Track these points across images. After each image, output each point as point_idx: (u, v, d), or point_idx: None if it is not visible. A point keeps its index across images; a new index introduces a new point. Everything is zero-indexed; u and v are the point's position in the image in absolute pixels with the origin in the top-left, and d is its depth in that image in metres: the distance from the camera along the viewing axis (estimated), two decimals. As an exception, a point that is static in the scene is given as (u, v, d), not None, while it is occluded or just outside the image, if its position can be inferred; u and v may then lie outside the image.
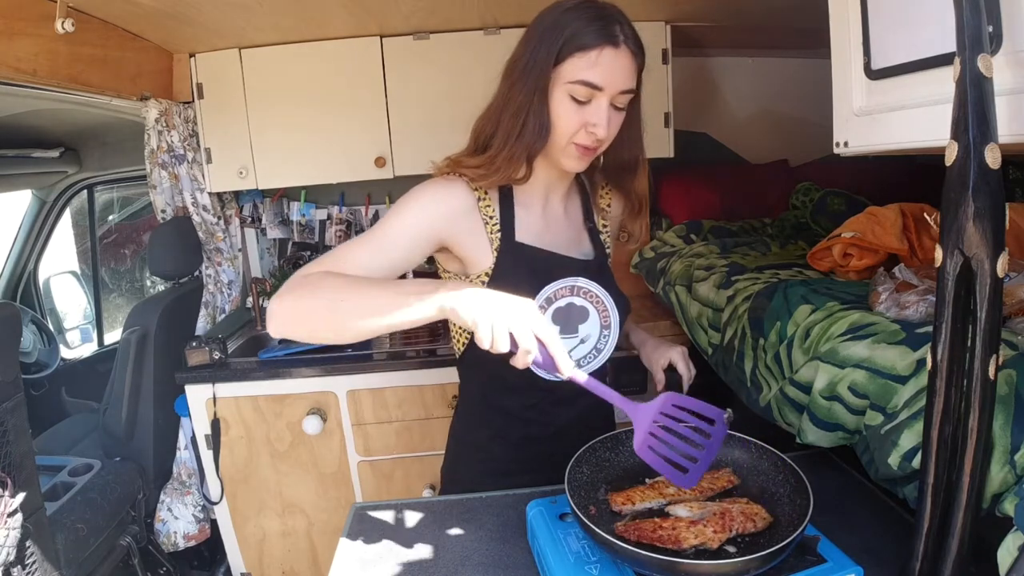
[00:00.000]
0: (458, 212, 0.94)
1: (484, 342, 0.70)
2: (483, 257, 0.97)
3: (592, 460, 0.89)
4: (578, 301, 0.99)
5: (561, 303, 0.98)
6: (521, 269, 0.97)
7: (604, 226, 1.10)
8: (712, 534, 0.72)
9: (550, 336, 0.72)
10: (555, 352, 0.72)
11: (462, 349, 1.05)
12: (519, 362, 0.71)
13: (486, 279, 0.97)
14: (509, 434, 1.06)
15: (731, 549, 0.73)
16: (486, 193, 0.97)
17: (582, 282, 0.99)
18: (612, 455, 0.91)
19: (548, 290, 0.97)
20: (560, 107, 0.88)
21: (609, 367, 1.04)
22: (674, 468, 0.76)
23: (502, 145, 0.91)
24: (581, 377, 0.76)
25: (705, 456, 0.77)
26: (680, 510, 0.78)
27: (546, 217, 1.02)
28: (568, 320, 0.98)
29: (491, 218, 0.97)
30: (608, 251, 1.09)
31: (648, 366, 1.06)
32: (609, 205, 1.11)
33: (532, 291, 0.96)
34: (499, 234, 0.97)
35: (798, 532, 0.68)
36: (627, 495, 0.83)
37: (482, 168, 0.93)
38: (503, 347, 0.69)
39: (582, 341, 0.99)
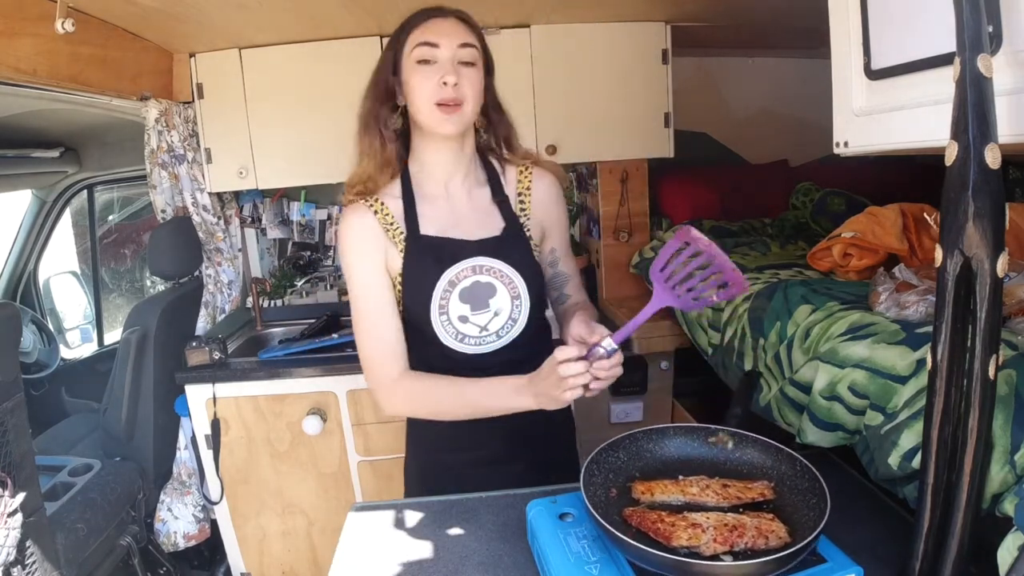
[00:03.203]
0: (369, 235, 1.04)
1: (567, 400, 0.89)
2: (394, 262, 1.05)
3: (632, 448, 0.90)
4: (483, 279, 1.03)
5: (465, 283, 1.03)
6: (426, 261, 1.03)
7: (521, 205, 1.10)
8: (710, 542, 0.72)
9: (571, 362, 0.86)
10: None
11: None
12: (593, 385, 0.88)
13: (400, 279, 1.04)
14: None
15: (727, 559, 0.71)
16: (383, 204, 1.05)
17: (482, 260, 1.04)
18: (654, 447, 0.91)
19: (449, 274, 1.02)
20: (414, 76, 0.99)
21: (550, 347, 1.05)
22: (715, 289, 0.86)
23: (364, 129, 1.05)
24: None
25: (718, 264, 0.84)
26: (697, 517, 0.76)
27: (450, 205, 1.08)
28: (476, 298, 1.03)
29: (392, 224, 1.04)
30: (525, 224, 1.10)
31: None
32: (529, 187, 1.11)
33: (435, 278, 1.02)
34: (403, 235, 1.04)
35: (788, 552, 0.67)
36: (649, 486, 0.84)
37: (363, 164, 1.05)
38: (574, 395, 0.88)
39: (496, 314, 1.04)
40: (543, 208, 1.12)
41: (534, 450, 1.12)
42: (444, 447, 1.13)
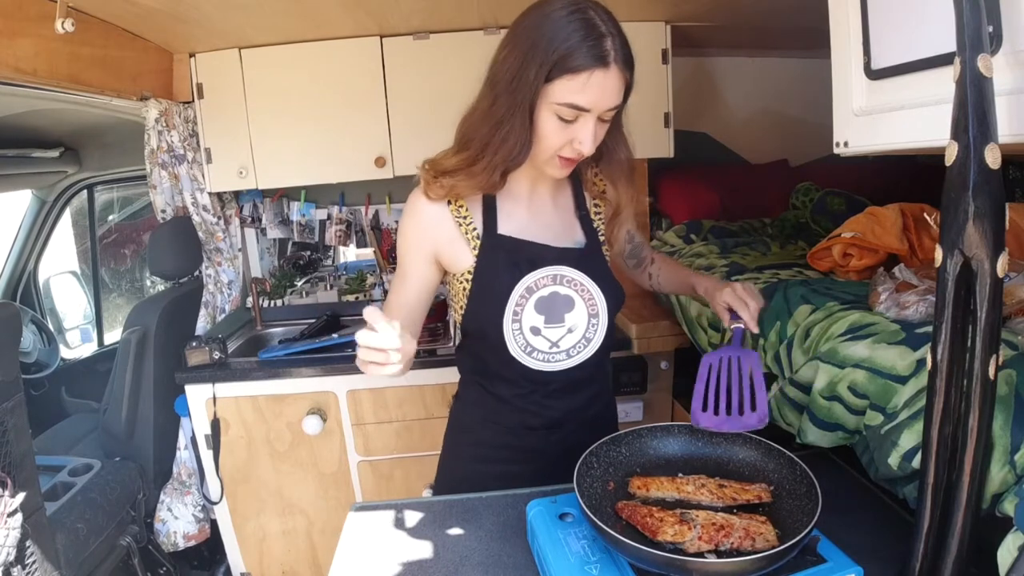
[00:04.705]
0: (432, 223, 0.98)
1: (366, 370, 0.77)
2: (463, 258, 0.99)
3: (635, 444, 0.91)
4: (562, 290, 0.97)
5: (544, 292, 0.97)
6: (501, 261, 0.97)
7: (597, 213, 1.07)
8: (695, 539, 0.72)
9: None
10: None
11: (459, 337, 1.09)
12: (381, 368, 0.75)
13: (469, 276, 0.98)
14: (500, 419, 1.06)
15: (711, 557, 0.71)
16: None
17: (565, 270, 0.98)
18: (657, 444, 0.92)
19: (528, 279, 0.96)
20: (547, 124, 0.88)
21: (610, 365, 1.04)
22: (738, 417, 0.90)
23: (479, 155, 0.91)
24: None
25: (755, 386, 0.89)
26: (688, 514, 0.77)
27: (532, 207, 1.02)
28: (553, 309, 0.97)
29: (465, 218, 0.98)
30: (602, 238, 1.06)
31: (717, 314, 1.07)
32: (604, 192, 1.06)
33: (512, 282, 0.96)
34: (476, 231, 0.98)
35: (763, 555, 0.67)
36: (645, 481, 0.85)
37: (460, 173, 0.93)
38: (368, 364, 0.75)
39: (570, 331, 0.98)
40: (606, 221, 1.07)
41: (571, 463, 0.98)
42: (488, 458, 1.08)
